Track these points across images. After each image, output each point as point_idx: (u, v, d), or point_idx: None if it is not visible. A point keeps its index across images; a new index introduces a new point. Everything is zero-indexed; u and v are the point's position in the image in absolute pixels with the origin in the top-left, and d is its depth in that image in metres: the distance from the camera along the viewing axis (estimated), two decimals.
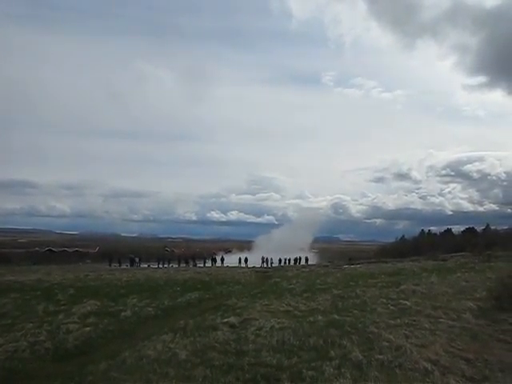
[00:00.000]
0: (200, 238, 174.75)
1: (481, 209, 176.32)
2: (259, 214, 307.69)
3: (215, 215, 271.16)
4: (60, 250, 71.40)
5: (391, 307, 9.04)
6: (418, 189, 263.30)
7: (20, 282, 19.50)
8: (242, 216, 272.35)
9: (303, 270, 28.86)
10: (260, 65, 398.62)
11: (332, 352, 5.66)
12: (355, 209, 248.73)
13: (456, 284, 12.65)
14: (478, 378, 4.67)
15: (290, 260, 45.24)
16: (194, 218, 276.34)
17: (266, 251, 48.66)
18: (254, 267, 36.19)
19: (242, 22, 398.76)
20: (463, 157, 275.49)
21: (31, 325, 9.15)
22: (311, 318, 8.04)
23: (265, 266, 40.66)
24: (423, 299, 9.92)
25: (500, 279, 9.52)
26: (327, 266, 33.92)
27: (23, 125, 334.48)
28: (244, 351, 5.98)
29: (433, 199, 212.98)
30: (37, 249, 69.85)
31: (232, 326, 7.76)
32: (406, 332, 6.58)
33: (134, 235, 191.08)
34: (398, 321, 7.46)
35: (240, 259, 43.99)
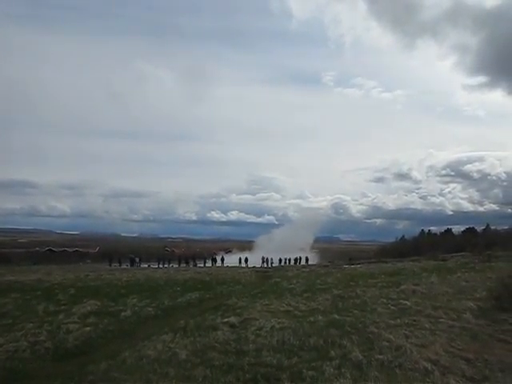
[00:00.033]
0: (200, 238, 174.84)
1: (481, 209, 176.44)
2: (259, 214, 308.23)
3: (215, 215, 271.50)
4: (60, 250, 71.38)
5: (391, 307, 9.04)
6: (418, 189, 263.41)
7: (20, 281, 19.52)
8: (243, 216, 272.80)
9: (303, 269, 28.85)
10: (260, 65, 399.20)
11: (332, 352, 5.66)
12: (355, 209, 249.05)
13: (456, 284, 12.64)
14: (478, 378, 4.67)
15: (290, 260, 45.24)
16: (195, 217, 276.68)
17: (267, 251, 48.65)
18: (254, 267, 36.18)
19: (242, 22, 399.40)
20: (463, 157, 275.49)
21: (31, 325, 9.16)
22: (311, 318, 8.04)
23: (265, 265, 40.67)
24: (423, 299, 9.91)
25: (500, 279, 9.51)
26: (327, 265, 33.92)
27: (23, 125, 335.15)
28: (244, 351, 5.99)
29: (433, 199, 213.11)
30: (37, 249, 69.86)
31: (232, 325, 7.76)
32: (406, 332, 6.58)
33: (134, 235, 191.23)
34: (398, 321, 7.47)
35: (240, 259, 43.99)
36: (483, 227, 55.71)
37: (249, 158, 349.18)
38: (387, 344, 5.88)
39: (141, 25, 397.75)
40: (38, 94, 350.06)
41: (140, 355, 6.06)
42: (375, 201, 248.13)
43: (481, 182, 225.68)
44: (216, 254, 52.74)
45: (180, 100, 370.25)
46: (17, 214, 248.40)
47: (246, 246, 72.45)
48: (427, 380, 4.59)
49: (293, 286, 15.78)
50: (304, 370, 4.95)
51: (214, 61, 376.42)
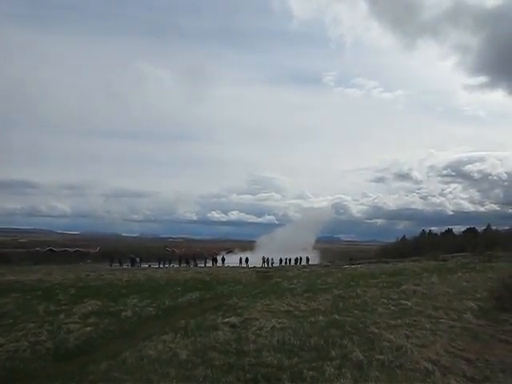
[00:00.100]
0: (201, 237, 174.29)
1: (482, 209, 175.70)
2: (260, 214, 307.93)
3: (216, 215, 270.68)
4: (61, 249, 71.43)
5: (392, 307, 9.04)
6: (418, 189, 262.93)
7: (21, 281, 19.53)
8: (243, 216, 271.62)
9: (304, 270, 28.86)
10: (260, 65, 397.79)
11: (333, 352, 5.66)
12: (356, 209, 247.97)
13: (457, 284, 12.65)
14: (479, 378, 4.66)
15: (290, 260, 45.24)
16: (195, 217, 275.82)
17: (268, 251, 48.61)
18: (254, 267, 36.19)
19: (242, 22, 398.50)
20: (464, 157, 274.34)
21: (32, 325, 9.16)
22: (312, 318, 8.04)
23: (266, 266, 40.68)
24: (424, 299, 9.91)
25: (501, 279, 9.50)
26: (328, 266, 33.93)
27: (23, 125, 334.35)
28: (245, 351, 5.99)
29: (433, 199, 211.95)
30: (38, 249, 69.84)
31: (233, 325, 7.76)
32: (407, 332, 6.58)
33: (134, 235, 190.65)
34: (399, 321, 7.46)
35: (241, 259, 43.98)
36: (484, 227, 55.79)
37: (249, 157, 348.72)
38: (388, 344, 5.87)
39: (141, 25, 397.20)
40: (37, 94, 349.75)
41: (141, 355, 6.06)
42: (376, 201, 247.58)
43: (481, 182, 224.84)
44: (217, 254, 52.76)
45: (180, 100, 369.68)
46: (17, 214, 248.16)
47: (247, 246, 72.44)
48: (428, 380, 4.59)
49: (293, 286, 15.78)
50: (304, 370, 4.95)
51: (214, 61, 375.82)
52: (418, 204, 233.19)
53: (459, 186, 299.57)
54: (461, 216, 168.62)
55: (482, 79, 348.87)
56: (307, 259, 45.96)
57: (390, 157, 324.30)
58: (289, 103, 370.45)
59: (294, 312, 9.15)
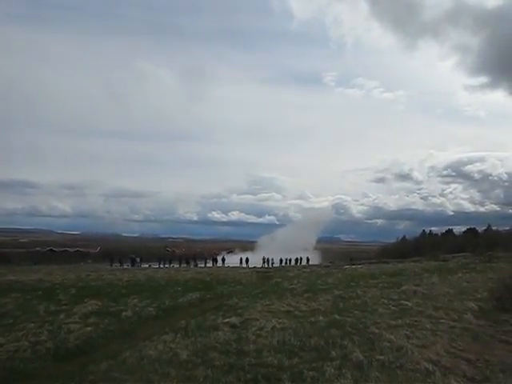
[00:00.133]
0: (201, 238, 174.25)
1: (482, 209, 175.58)
2: (260, 215, 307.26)
3: (216, 215, 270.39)
4: (61, 249, 71.52)
5: (392, 308, 9.04)
6: (419, 189, 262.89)
7: (21, 281, 19.54)
8: (243, 216, 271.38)
9: (304, 270, 28.86)
10: (260, 65, 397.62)
11: (333, 352, 5.66)
12: (356, 209, 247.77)
13: (457, 284, 12.64)
14: (479, 378, 4.66)
15: (290, 260, 45.24)
16: (195, 218, 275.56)
17: (269, 251, 48.63)
18: (255, 267, 36.20)
19: (242, 22, 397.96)
20: (464, 157, 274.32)
21: (32, 324, 9.16)
22: (312, 319, 8.04)
23: (266, 266, 40.68)
24: (424, 300, 9.91)
25: (501, 280, 9.50)
26: (328, 266, 33.93)
27: (23, 124, 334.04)
28: (245, 351, 5.99)
29: (434, 200, 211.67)
30: (38, 249, 69.93)
31: (233, 326, 7.76)
32: (407, 332, 6.57)
33: (135, 235, 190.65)
34: (399, 321, 7.46)
35: (241, 259, 43.97)
36: (484, 228, 55.80)
37: (249, 157, 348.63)
38: (388, 344, 5.87)
39: (141, 25, 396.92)
40: (37, 94, 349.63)
41: (141, 355, 6.06)
42: (376, 201, 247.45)
43: (482, 182, 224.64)
44: (217, 254, 52.78)
45: (180, 100, 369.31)
46: (18, 214, 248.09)
47: (248, 246, 72.50)
48: (428, 380, 4.58)
49: (293, 286, 15.77)
50: (305, 371, 4.95)
51: (214, 61, 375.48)
52: (418, 204, 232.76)
53: (459, 187, 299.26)
54: (461, 216, 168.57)
55: (483, 79, 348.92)
56: (307, 259, 45.97)
57: (391, 157, 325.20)
58: (289, 103, 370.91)
59: (294, 312, 9.14)
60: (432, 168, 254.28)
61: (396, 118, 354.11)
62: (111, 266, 41.74)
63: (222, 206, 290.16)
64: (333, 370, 4.90)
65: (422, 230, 65.41)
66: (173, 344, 6.57)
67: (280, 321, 7.83)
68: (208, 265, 43.85)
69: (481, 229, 56.24)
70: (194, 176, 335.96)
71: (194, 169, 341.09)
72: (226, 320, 8.26)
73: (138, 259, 44.61)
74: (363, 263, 35.14)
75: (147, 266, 42.07)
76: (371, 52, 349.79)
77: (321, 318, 8.07)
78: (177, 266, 42.23)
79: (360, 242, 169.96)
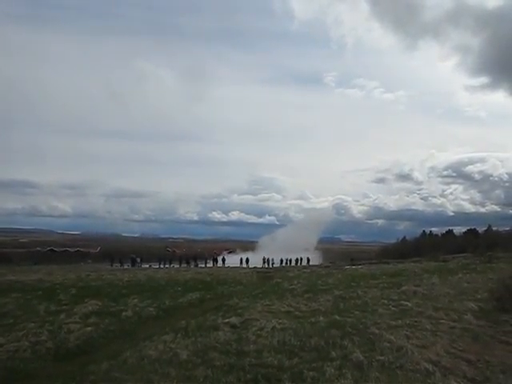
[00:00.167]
0: (201, 238, 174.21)
1: (482, 210, 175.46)
2: (261, 215, 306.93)
3: (217, 215, 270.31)
4: (61, 249, 71.58)
5: (392, 308, 9.03)
6: (419, 190, 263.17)
7: (21, 281, 19.56)
8: (244, 216, 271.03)
9: (304, 270, 28.85)
10: (260, 65, 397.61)
11: (333, 353, 5.66)
12: (356, 209, 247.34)
13: (457, 285, 12.63)
14: (480, 379, 4.66)
15: (291, 260, 45.23)
16: (196, 218, 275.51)
17: (270, 252, 48.63)
18: (255, 268, 36.19)
19: (242, 23, 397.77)
20: (465, 158, 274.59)
21: (33, 324, 9.17)
22: (312, 319, 8.04)
23: (266, 266, 40.68)
24: (424, 300, 9.90)
25: (501, 280, 9.49)
26: (329, 266, 33.93)
27: (23, 124, 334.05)
28: (245, 351, 5.99)
29: (434, 200, 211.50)
30: (38, 249, 70.00)
31: (233, 326, 7.76)
32: (407, 333, 6.57)
33: (135, 235, 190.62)
34: (399, 322, 7.45)
35: (241, 259, 43.98)
36: (485, 228, 55.70)
37: (249, 157, 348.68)
38: (388, 345, 5.87)
39: (141, 25, 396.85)
40: (37, 94, 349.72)
41: (141, 355, 6.06)
42: (376, 201, 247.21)
43: (482, 183, 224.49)
44: (217, 255, 52.78)
45: (180, 100, 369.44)
46: (18, 214, 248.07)
47: (249, 246, 72.55)
48: (428, 381, 4.58)
49: (294, 286, 15.77)
50: (305, 371, 4.95)
51: (214, 61, 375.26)
52: (418, 205, 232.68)
53: (460, 187, 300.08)
54: (461, 217, 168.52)
55: (483, 80, 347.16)
56: (308, 260, 45.96)
57: (391, 157, 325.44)
58: (289, 103, 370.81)
59: (294, 312, 9.14)
60: (432, 168, 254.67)
61: (396, 119, 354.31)
62: (111, 266, 41.78)
63: (223, 206, 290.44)
64: (333, 371, 4.91)
65: (422, 231, 65.52)
66: (173, 344, 6.57)
67: (280, 321, 7.83)
68: (208, 265, 43.86)
69: (481, 229, 56.23)
70: (194, 176, 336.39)
71: (194, 169, 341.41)
72: (226, 320, 8.26)
73: (138, 259, 44.65)
74: (363, 263, 35.12)
75: (147, 266, 42.11)
76: (372, 52, 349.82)
77: (321, 318, 8.06)
78: (177, 266, 42.26)
79: (360, 243, 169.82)
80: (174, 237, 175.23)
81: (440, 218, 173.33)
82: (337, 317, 8.08)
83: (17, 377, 5.99)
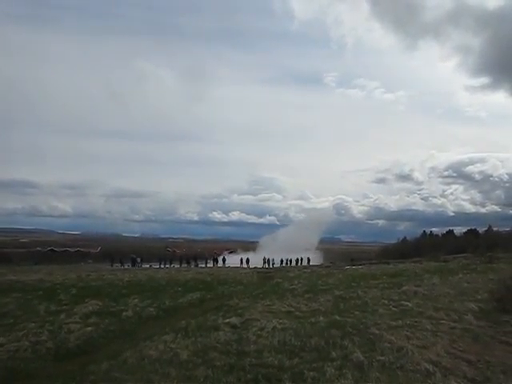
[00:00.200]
0: (201, 238, 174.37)
1: (483, 210, 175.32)
2: (261, 215, 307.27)
3: (217, 215, 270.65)
4: (62, 249, 71.64)
5: (393, 308, 9.03)
6: (419, 190, 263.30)
7: (22, 281, 19.57)
8: (244, 216, 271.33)
9: (305, 270, 28.84)
10: (260, 65, 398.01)
11: (333, 353, 5.66)
12: (357, 210, 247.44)
13: (458, 285, 12.62)
14: (480, 379, 4.66)
15: (291, 261, 45.21)
16: (196, 218, 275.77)
17: (271, 252, 48.62)
18: (255, 268, 36.19)
19: (242, 23, 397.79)
20: (465, 158, 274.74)
21: (33, 324, 9.18)
22: (313, 319, 8.03)
23: (266, 266, 40.67)
24: (425, 300, 9.90)
25: (502, 281, 9.48)
26: (329, 266, 33.92)
27: (23, 124, 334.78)
28: (245, 352, 5.98)
29: (435, 200, 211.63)
30: (38, 249, 70.08)
31: (233, 326, 7.76)
32: (408, 333, 6.57)
33: (135, 235, 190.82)
34: (400, 322, 7.45)
35: (242, 260, 43.98)
36: (485, 228, 55.59)
37: (249, 157, 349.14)
38: (388, 345, 5.87)
39: (141, 25, 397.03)
40: (37, 94, 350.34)
41: (141, 355, 6.06)
42: (377, 202, 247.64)
43: (483, 183, 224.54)
44: (218, 255, 52.80)
45: (180, 100, 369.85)
46: (18, 214, 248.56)
47: (250, 246, 72.55)
48: (428, 381, 4.58)
49: (294, 286, 15.77)
50: (305, 371, 4.95)
51: (214, 61, 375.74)
52: (419, 205, 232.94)
53: (460, 187, 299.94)
54: (462, 217, 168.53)
55: (484, 80, 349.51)
56: (308, 260, 45.95)
57: (391, 158, 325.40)
58: (289, 103, 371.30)
59: (294, 313, 9.14)
60: (433, 169, 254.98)
61: (396, 119, 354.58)
62: (112, 266, 41.84)
63: (223, 206, 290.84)
64: (333, 371, 4.90)
65: (422, 231, 65.47)
66: (173, 344, 6.57)
67: (281, 321, 7.83)
68: (209, 265, 43.90)
69: (481, 230, 56.16)
70: (194, 176, 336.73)
71: (194, 169, 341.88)
72: (227, 320, 8.25)
73: (138, 259, 44.70)
74: (364, 264, 35.09)
75: (148, 266, 42.16)
76: (372, 52, 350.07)
77: (321, 318, 8.06)
78: (177, 266, 42.29)
79: (361, 243, 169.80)
80: (174, 237, 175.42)
81: (440, 218, 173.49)
82: (337, 317, 8.08)
83: (17, 377, 5.99)
